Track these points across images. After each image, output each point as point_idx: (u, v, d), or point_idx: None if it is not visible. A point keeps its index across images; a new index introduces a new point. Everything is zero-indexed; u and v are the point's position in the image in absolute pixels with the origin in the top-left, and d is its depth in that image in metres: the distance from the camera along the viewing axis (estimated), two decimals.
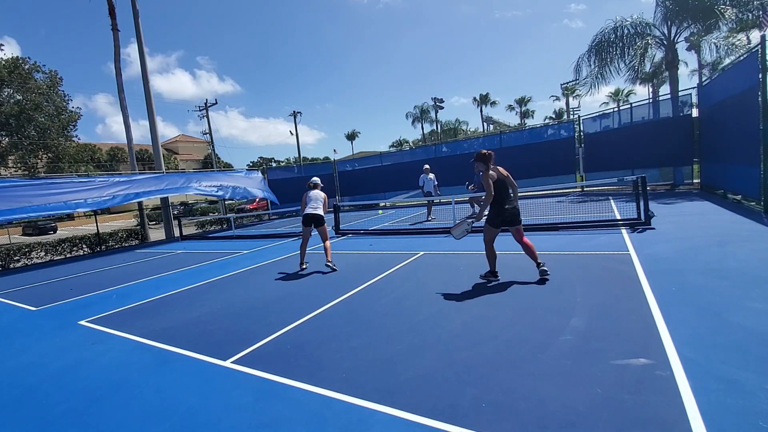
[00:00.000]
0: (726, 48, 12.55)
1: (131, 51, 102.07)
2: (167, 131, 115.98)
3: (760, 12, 11.21)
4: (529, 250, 4.61)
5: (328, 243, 6.48)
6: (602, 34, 14.19)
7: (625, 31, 13.76)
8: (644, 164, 12.65)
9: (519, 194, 4.82)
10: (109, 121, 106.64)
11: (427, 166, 11.22)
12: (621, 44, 13.80)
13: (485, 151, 4.61)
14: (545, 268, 4.54)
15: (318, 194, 6.73)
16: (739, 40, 12.92)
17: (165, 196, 14.10)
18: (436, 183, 11.15)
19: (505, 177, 4.61)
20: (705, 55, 13.45)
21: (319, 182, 6.95)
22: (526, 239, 4.65)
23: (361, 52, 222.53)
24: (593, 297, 3.86)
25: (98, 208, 11.86)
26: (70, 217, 37.50)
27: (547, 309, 3.66)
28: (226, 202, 21.17)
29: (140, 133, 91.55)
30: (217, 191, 15.03)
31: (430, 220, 11.10)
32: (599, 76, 14.49)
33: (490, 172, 4.51)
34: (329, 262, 6.25)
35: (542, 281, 4.47)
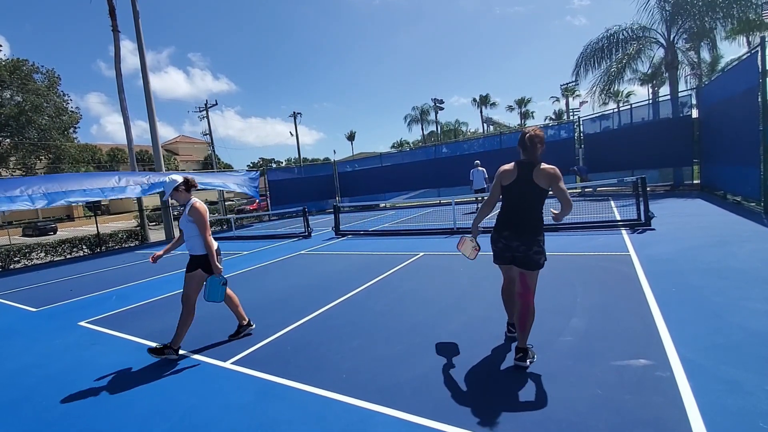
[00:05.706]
0: (709, 70, 12.83)
1: (122, 48, 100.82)
2: (162, 131, 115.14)
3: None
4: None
5: None
6: (599, 42, 14.39)
7: (625, 35, 13.85)
8: (644, 165, 12.64)
9: None
10: (104, 122, 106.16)
11: (477, 162, 11.14)
12: (620, 50, 13.93)
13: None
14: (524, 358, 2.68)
15: None
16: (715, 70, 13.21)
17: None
18: (486, 176, 11.00)
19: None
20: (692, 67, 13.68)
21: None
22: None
23: (359, 51, 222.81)
24: (593, 297, 3.86)
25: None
26: (70, 218, 37.59)
27: (547, 309, 3.66)
28: (226, 203, 21.37)
29: (136, 133, 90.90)
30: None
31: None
32: (604, 89, 14.67)
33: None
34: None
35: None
